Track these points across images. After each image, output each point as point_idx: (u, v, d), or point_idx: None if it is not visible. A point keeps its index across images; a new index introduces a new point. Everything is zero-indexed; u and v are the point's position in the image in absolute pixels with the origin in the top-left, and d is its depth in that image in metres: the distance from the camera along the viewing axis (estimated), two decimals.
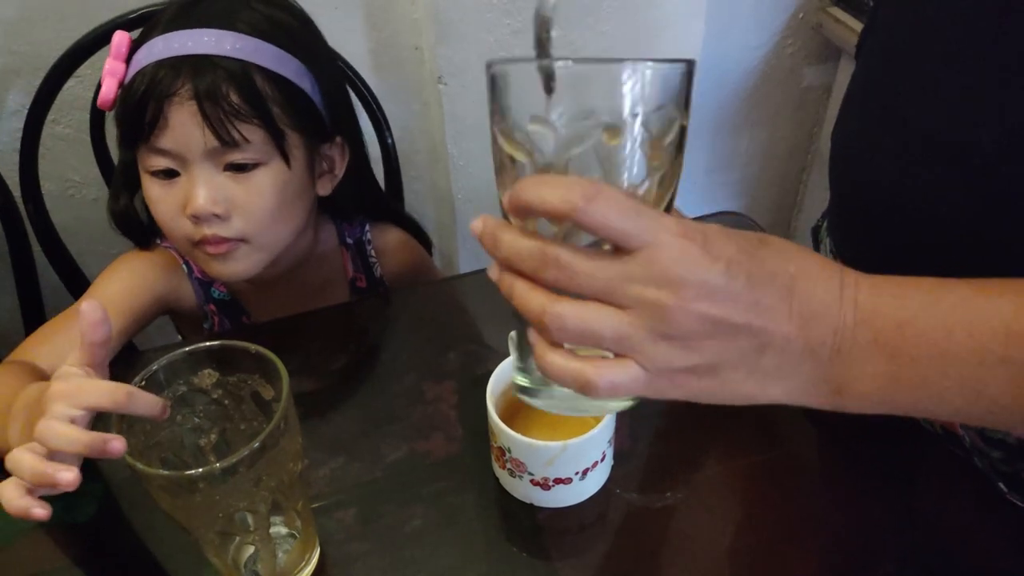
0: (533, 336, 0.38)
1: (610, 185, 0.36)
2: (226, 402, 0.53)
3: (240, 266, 0.76)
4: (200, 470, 0.45)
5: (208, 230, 0.72)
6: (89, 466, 0.66)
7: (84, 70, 0.91)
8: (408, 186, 1.11)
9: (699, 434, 0.66)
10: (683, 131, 0.39)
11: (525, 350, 0.41)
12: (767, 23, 1.27)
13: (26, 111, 0.91)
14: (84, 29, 0.89)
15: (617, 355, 0.37)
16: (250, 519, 0.50)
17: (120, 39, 0.72)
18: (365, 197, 0.90)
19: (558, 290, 0.36)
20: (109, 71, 0.72)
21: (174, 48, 0.69)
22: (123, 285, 0.79)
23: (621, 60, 0.36)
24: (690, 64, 0.38)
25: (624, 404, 0.42)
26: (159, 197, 0.73)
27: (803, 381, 0.39)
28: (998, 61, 0.48)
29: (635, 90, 0.36)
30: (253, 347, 0.50)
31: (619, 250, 0.36)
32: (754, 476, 0.62)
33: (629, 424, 0.66)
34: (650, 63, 0.36)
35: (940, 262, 0.54)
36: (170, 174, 0.72)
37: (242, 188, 0.72)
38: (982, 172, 0.49)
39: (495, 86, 0.39)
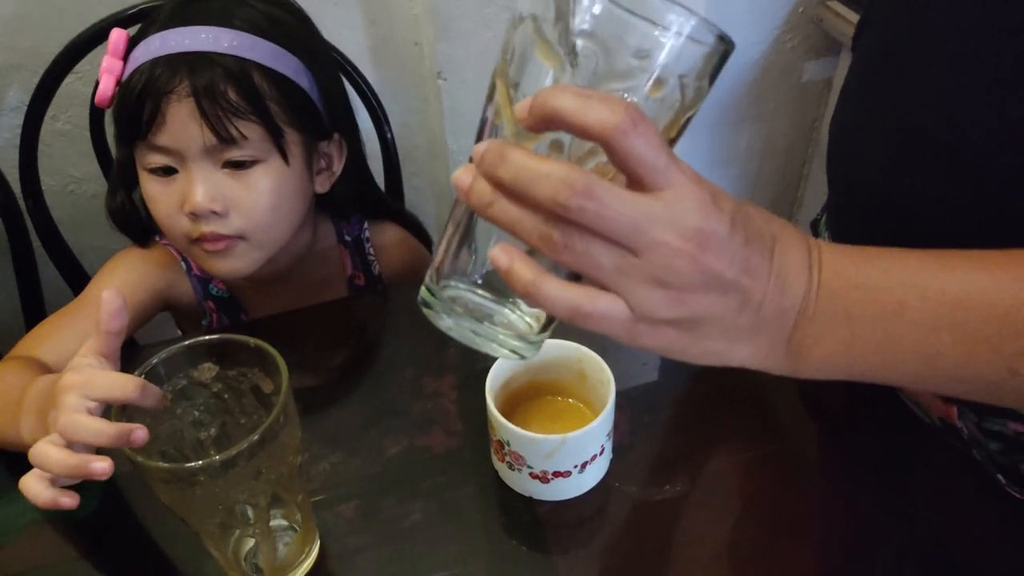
0: (514, 259, 0.35)
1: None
2: (226, 396, 0.53)
3: (238, 263, 0.76)
4: (200, 463, 0.45)
5: (206, 227, 0.72)
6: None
7: (83, 66, 0.91)
8: (408, 182, 1.11)
9: (698, 428, 0.67)
10: (691, 119, 0.38)
11: (467, 261, 0.39)
12: (767, 17, 1.26)
13: (26, 107, 0.91)
14: (83, 25, 0.89)
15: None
16: (250, 512, 0.50)
17: (117, 37, 0.72)
18: (362, 195, 0.90)
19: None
20: (107, 68, 0.72)
21: (171, 46, 0.69)
22: (122, 281, 0.79)
23: (692, 11, 0.34)
24: (730, 46, 0.36)
25: (514, 353, 0.40)
26: (157, 195, 0.73)
27: (768, 343, 0.39)
28: (993, 57, 0.48)
29: (692, 51, 0.34)
30: (253, 341, 0.50)
31: (636, 188, 0.34)
32: (753, 469, 0.62)
33: (629, 418, 0.66)
34: (715, 27, 0.34)
35: None
36: (168, 171, 0.72)
37: (240, 185, 0.72)
38: (975, 168, 0.49)
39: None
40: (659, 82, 0.35)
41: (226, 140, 0.70)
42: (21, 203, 0.96)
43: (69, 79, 0.91)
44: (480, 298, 0.41)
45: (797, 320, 0.39)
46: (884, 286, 0.39)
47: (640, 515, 0.60)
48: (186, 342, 0.51)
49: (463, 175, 0.36)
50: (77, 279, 1.01)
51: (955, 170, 0.51)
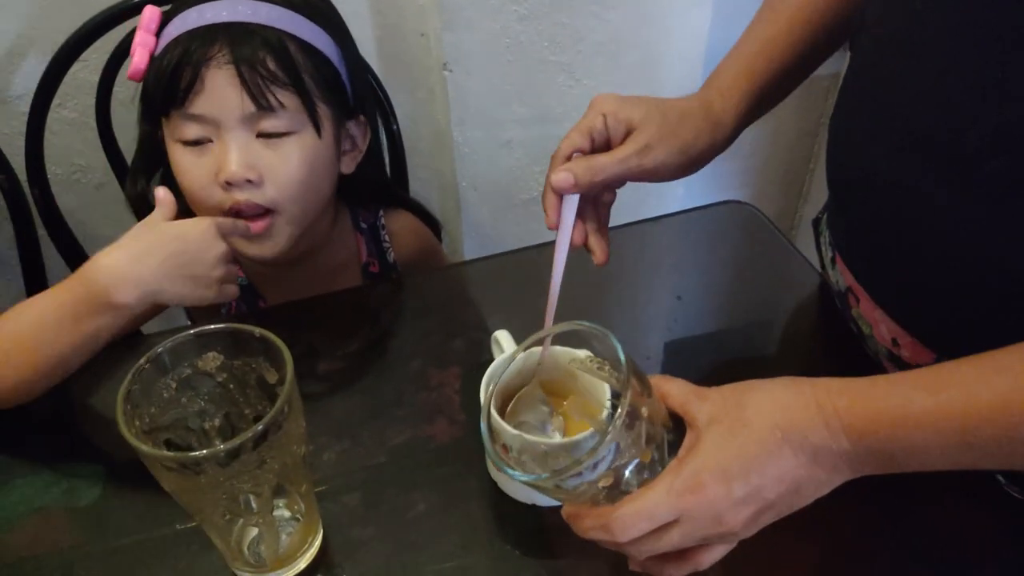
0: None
1: (628, 500, 0.45)
2: (231, 386, 0.53)
3: (274, 243, 0.76)
4: (204, 452, 0.45)
5: (240, 196, 0.72)
6: (91, 449, 0.67)
7: (90, 54, 0.91)
8: (413, 173, 1.11)
9: None
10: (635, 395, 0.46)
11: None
12: None
13: (32, 95, 0.91)
14: (89, 13, 0.89)
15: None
16: (254, 501, 0.50)
17: (151, 13, 0.73)
18: (378, 181, 0.91)
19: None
20: (140, 42, 0.72)
21: (208, 18, 0.70)
22: None
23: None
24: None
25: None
26: (190, 165, 0.73)
27: (827, 487, 0.47)
28: (987, 57, 0.47)
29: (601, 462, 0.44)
30: (258, 330, 0.50)
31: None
32: None
33: None
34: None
35: (934, 254, 0.54)
36: (200, 143, 0.72)
37: (275, 155, 0.73)
38: (970, 167, 0.49)
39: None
40: (608, 474, 0.45)
41: (264, 108, 0.71)
42: (27, 191, 0.96)
43: (76, 67, 0.91)
44: None
45: (848, 470, 0.46)
46: (915, 425, 0.44)
47: None
48: (192, 331, 0.51)
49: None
50: None
51: (951, 170, 0.50)
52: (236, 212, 0.73)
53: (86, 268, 0.66)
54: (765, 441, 0.45)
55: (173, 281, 0.67)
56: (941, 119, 0.51)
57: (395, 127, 1.02)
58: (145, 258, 0.66)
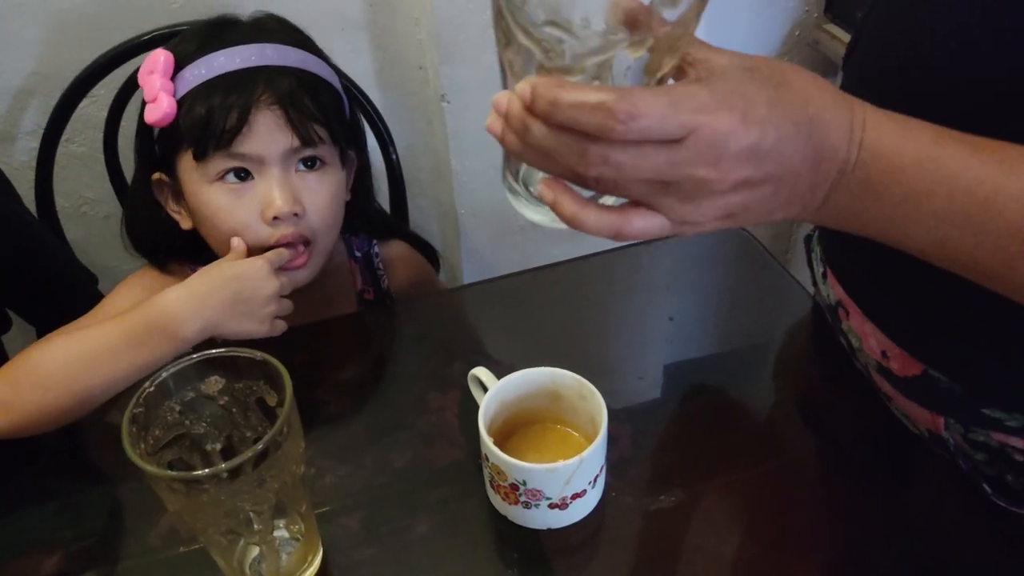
0: (557, 194, 0.40)
1: (640, 91, 0.37)
2: (233, 409, 0.54)
3: (308, 272, 0.79)
4: (207, 471, 0.46)
5: (285, 230, 0.75)
6: (97, 472, 0.69)
7: (98, 90, 0.94)
8: (413, 202, 1.13)
9: (699, 442, 0.67)
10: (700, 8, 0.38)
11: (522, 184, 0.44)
12: (765, 40, 1.29)
13: (42, 131, 0.94)
14: (98, 51, 0.92)
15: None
16: (255, 521, 0.52)
17: (168, 58, 0.74)
18: (370, 210, 0.93)
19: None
20: (163, 88, 0.73)
21: (237, 63, 0.73)
22: (135, 300, 0.79)
23: None
24: None
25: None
26: (231, 205, 0.75)
27: (800, 207, 0.42)
28: (982, 84, 0.48)
29: None
30: (259, 354, 0.52)
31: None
32: (753, 484, 0.63)
33: (630, 432, 0.67)
34: None
35: (922, 268, 0.55)
36: (240, 178, 0.74)
37: (310, 187, 0.77)
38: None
39: None
40: (637, 44, 0.37)
41: (309, 143, 0.75)
42: None
43: (84, 103, 0.94)
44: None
45: (828, 191, 0.41)
46: (917, 174, 0.41)
47: (641, 527, 0.61)
48: (195, 356, 0.53)
49: (493, 122, 0.41)
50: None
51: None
52: (283, 246, 0.76)
53: (153, 302, 0.70)
54: (796, 110, 0.39)
55: (231, 318, 0.71)
56: None
57: (394, 157, 1.05)
58: (208, 297, 0.70)
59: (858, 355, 0.67)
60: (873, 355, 0.64)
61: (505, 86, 0.42)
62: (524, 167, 0.45)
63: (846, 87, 0.63)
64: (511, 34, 0.39)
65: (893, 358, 0.62)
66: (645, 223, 0.40)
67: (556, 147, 0.38)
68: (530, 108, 0.37)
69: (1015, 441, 0.56)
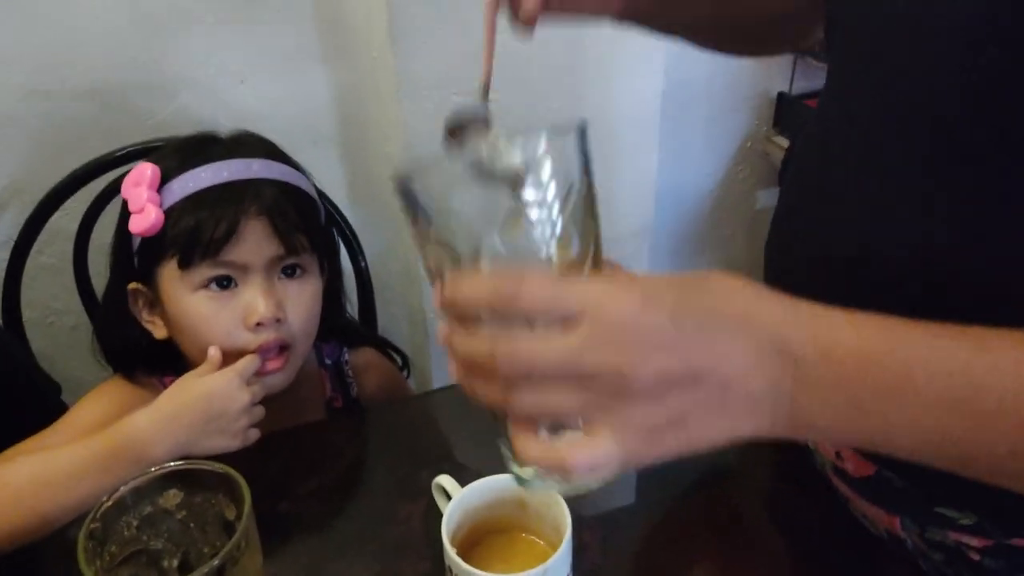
0: (512, 429, 0.39)
1: (532, 270, 0.38)
2: (191, 524, 0.54)
3: (284, 377, 0.80)
4: None
5: (267, 335, 0.76)
6: None
7: (70, 203, 0.96)
8: (384, 309, 1.15)
9: (672, 547, 0.67)
10: (589, 192, 0.40)
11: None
12: (719, 150, 1.35)
13: (12, 243, 0.95)
14: (72, 166, 0.94)
15: (589, 427, 0.37)
16: None
17: (154, 171, 0.76)
18: (341, 318, 0.94)
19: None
20: (149, 199, 0.75)
21: (224, 176, 0.76)
22: (103, 412, 0.79)
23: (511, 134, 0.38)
24: (582, 125, 0.39)
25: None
26: (214, 312, 0.76)
27: (769, 414, 0.38)
28: (900, 187, 0.51)
29: (531, 156, 0.38)
30: (219, 467, 0.52)
31: (564, 327, 0.36)
32: None
33: (600, 537, 0.66)
34: (542, 131, 0.38)
35: None
36: (223, 286, 0.75)
37: (292, 294, 0.79)
38: (885, 290, 0.51)
39: (408, 198, 0.39)
40: (514, 219, 0.38)
41: (294, 251, 0.77)
42: None
43: (55, 216, 0.95)
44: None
45: (793, 391, 0.38)
46: (887, 359, 0.38)
47: None
48: (154, 469, 0.52)
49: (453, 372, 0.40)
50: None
51: (866, 291, 0.54)
52: (261, 351, 0.76)
53: (121, 425, 0.70)
54: (720, 300, 0.38)
55: (203, 436, 0.71)
56: (856, 243, 0.53)
57: (363, 264, 1.07)
58: (177, 418, 0.70)
59: (815, 456, 0.68)
60: (828, 456, 0.65)
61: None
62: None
63: (781, 199, 0.67)
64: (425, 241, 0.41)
65: (847, 459, 0.63)
66: (590, 451, 0.37)
67: (471, 351, 0.38)
68: (443, 305, 0.39)
69: (970, 540, 0.56)
